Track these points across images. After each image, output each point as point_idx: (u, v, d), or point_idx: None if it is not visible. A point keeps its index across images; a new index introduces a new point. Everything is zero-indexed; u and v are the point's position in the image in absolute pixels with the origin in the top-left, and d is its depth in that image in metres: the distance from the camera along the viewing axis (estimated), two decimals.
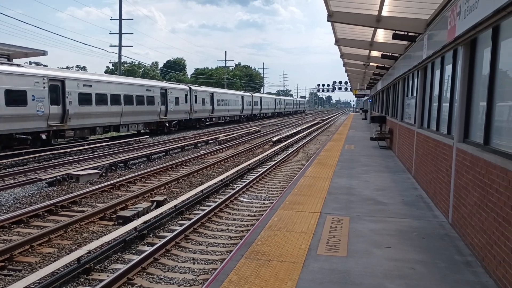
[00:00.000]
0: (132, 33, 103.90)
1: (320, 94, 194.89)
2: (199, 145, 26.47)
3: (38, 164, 17.92)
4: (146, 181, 14.80)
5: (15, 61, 23.97)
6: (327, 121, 62.31)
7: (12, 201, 11.67)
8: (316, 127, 44.84)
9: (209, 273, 6.99)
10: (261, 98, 69.47)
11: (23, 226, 9.59)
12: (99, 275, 6.88)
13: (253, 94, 66.61)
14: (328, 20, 12.27)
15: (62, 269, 6.73)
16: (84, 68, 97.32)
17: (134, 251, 8.02)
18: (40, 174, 15.66)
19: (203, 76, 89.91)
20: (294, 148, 24.20)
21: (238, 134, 32.38)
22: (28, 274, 6.73)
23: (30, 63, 26.23)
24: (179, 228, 8.94)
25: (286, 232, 7.04)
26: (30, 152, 20.11)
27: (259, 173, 15.42)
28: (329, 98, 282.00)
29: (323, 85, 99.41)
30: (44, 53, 24.36)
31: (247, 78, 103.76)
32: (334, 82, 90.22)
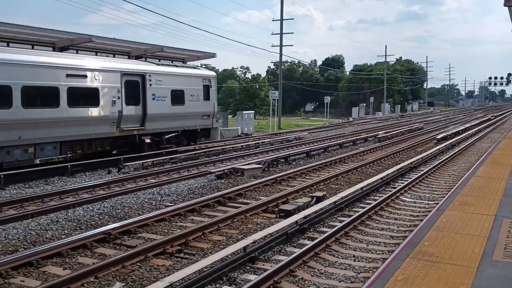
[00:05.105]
0: (292, 33, 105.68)
1: (492, 88, 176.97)
2: (357, 142, 26.11)
3: (208, 159, 19.48)
4: (306, 177, 15.05)
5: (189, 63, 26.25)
6: (500, 117, 56.40)
7: (186, 191, 12.83)
8: (486, 124, 40.90)
9: (371, 271, 6.82)
10: None
11: (196, 214, 10.47)
12: (263, 265, 7.18)
13: None
14: (505, 5, 11.12)
15: (230, 256, 7.16)
16: (247, 69, 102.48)
17: (295, 244, 8.21)
18: (209, 167, 16.95)
19: (362, 73, 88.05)
20: (461, 147, 22.44)
21: (399, 131, 31.19)
22: (201, 259, 7.30)
23: (201, 65, 28.50)
24: (339, 224, 8.91)
25: (455, 234, 6.56)
26: (201, 148, 22.00)
27: (422, 172, 14.63)
28: (503, 92, 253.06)
29: (496, 77, 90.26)
30: (213, 55, 25.97)
31: (409, 73, 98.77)
32: (509, 74, 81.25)
